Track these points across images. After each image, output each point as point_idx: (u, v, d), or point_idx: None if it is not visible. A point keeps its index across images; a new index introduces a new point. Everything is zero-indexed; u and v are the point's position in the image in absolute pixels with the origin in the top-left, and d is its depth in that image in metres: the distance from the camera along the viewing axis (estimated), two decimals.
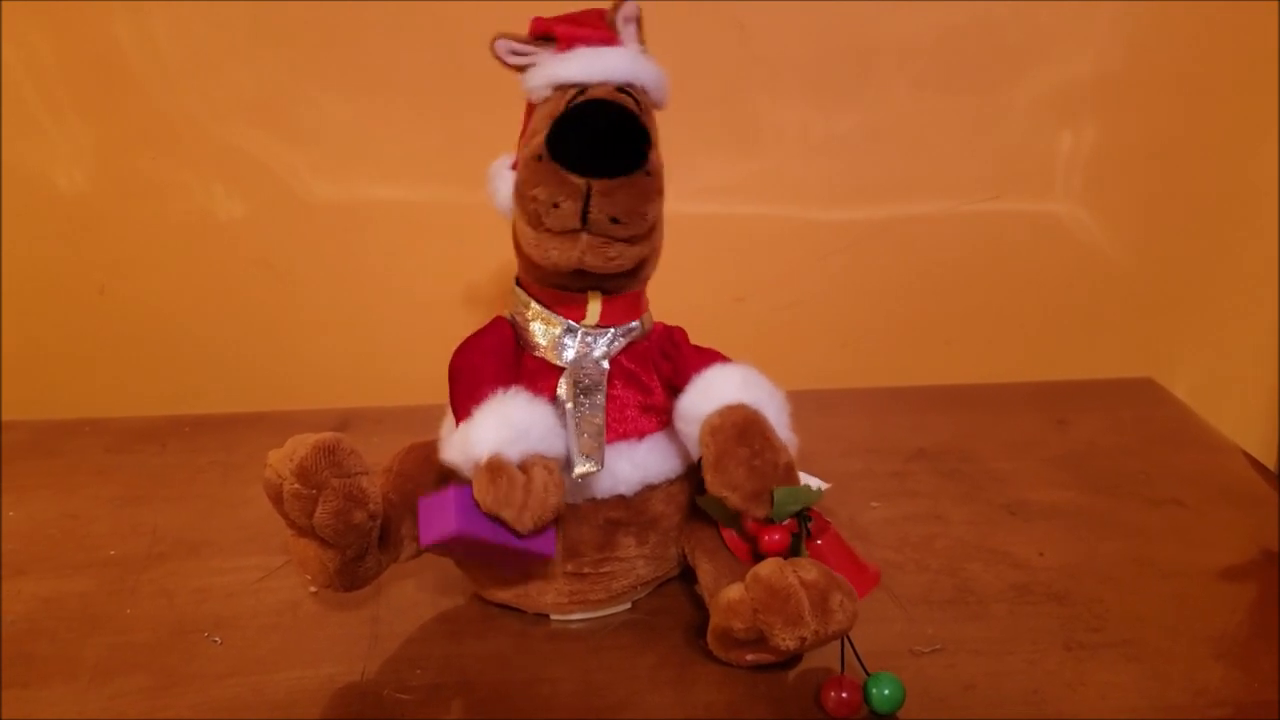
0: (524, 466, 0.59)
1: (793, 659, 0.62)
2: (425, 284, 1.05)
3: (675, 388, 0.66)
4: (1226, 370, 1.13)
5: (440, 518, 0.59)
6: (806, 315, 1.09)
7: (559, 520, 0.62)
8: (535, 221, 0.60)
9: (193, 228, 1.02)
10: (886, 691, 0.58)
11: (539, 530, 0.60)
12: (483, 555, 0.64)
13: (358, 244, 1.04)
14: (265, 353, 1.08)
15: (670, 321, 0.71)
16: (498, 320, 0.68)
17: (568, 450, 0.62)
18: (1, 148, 0.98)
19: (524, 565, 0.65)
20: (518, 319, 0.66)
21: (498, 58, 0.64)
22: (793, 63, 0.98)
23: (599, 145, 0.57)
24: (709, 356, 0.67)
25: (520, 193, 0.60)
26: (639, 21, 0.64)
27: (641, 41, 0.64)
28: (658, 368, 0.67)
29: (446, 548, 0.63)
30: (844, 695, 0.58)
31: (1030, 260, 1.07)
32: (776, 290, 1.08)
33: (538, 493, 0.59)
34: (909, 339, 1.11)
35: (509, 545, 0.60)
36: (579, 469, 0.62)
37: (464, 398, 0.62)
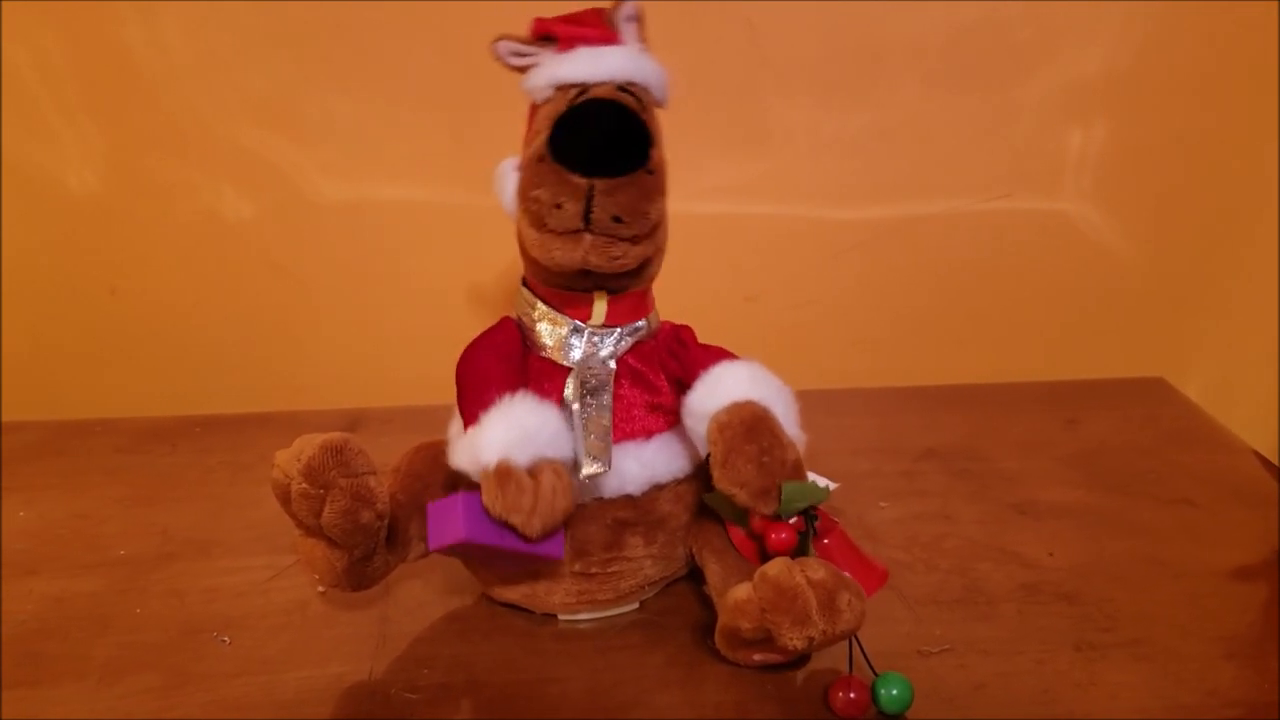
0: (532, 471, 0.59)
1: (801, 659, 0.62)
2: (434, 284, 1.05)
3: (684, 385, 0.66)
4: (1237, 370, 1.12)
5: (449, 523, 0.59)
6: (817, 315, 1.09)
7: (567, 523, 0.62)
8: (538, 223, 0.60)
9: (202, 228, 1.02)
10: (895, 692, 0.58)
11: (547, 535, 0.60)
12: (491, 556, 0.64)
13: (366, 244, 1.04)
14: (274, 353, 1.08)
15: (681, 321, 0.71)
16: (504, 321, 0.68)
17: (575, 452, 0.62)
18: (12, 149, 0.98)
19: (532, 565, 0.65)
20: (524, 320, 0.67)
21: (499, 59, 0.64)
22: (802, 62, 0.98)
23: (600, 145, 0.57)
24: (717, 354, 0.67)
25: (523, 194, 0.61)
26: (640, 20, 0.64)
27: (643, 40, 0.64)
28: (665, 366, 0.67)
29: (455, 553, 0.63)
30: (852, 695, 0.58)
31: (1041, 259, 1.07)
32: (787, 290, 1.08)
33: (546, 497, 0.59)
34: (919, 338, 1.11)
35: (517, 550, 0.60)
36: (586, 470, 0.61)
37: (471, 402, 0.62)
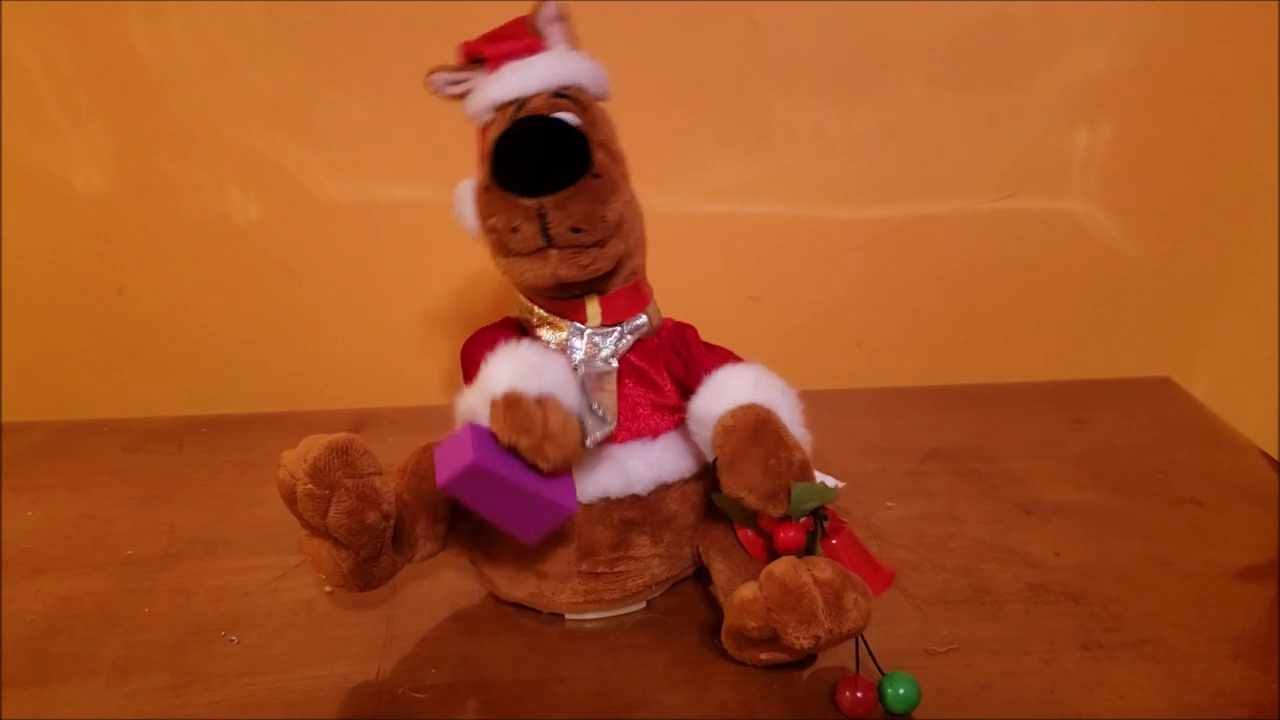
0: (540, 400, 0.58)
1: (807, 658, 0.62)
2: (440, 285, 1.05)
3: (687, 388, 0.66)
4: (1244, 369, 1.12)
5: (456, 454, 0.57)
6: (822, 315, 1.09)
7: (574, 521, 0.62)
8: (502, 249, 0.61)
9: (209, 229, 1.02)
10: (902, 691, 0.58)
11: (559, 469, 0.59)
12: (502, 506, 0.60)
13: (373, 245, 1.04)
14: (281, 353, 1.09)
15: (685, 321, 0.71)
16: (506, 319, 0.68)
17: (583, 422, 0.61)
18: (20, 150, 0.99)
19: (545, 520, 0.62)
20: (525, 325, 0.67)
21: (436, 92, 0.64)
22: (807, 61, 0.98)
23: (538, 163, 0.57)
24: (720, 356, 0.67)
25: (482, 224, 0.61)
26: (565, 19, 0.64)
27: (571, 38, 0.64)
28: (669, 365, 0.67)
29: (464, 491, 0.59)
30: (859, 695, 0.58)
31: (1046, 259, 1.07)
32: (792, 290, 1.08)
33: (556, 424, 0.58)
34: (924, 338, 1.11)
35: (528, 488, 0.58)
36: (594, 434, 0.61)
37: (477, 367, 0.62)
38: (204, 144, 0.99)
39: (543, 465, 0.58)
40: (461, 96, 0.65)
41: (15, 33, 0.94)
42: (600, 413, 0.62)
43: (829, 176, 1.03)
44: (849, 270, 1.07)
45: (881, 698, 0.58)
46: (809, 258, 1.06)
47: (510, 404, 0.58)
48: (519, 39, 0.63)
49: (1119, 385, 1.05)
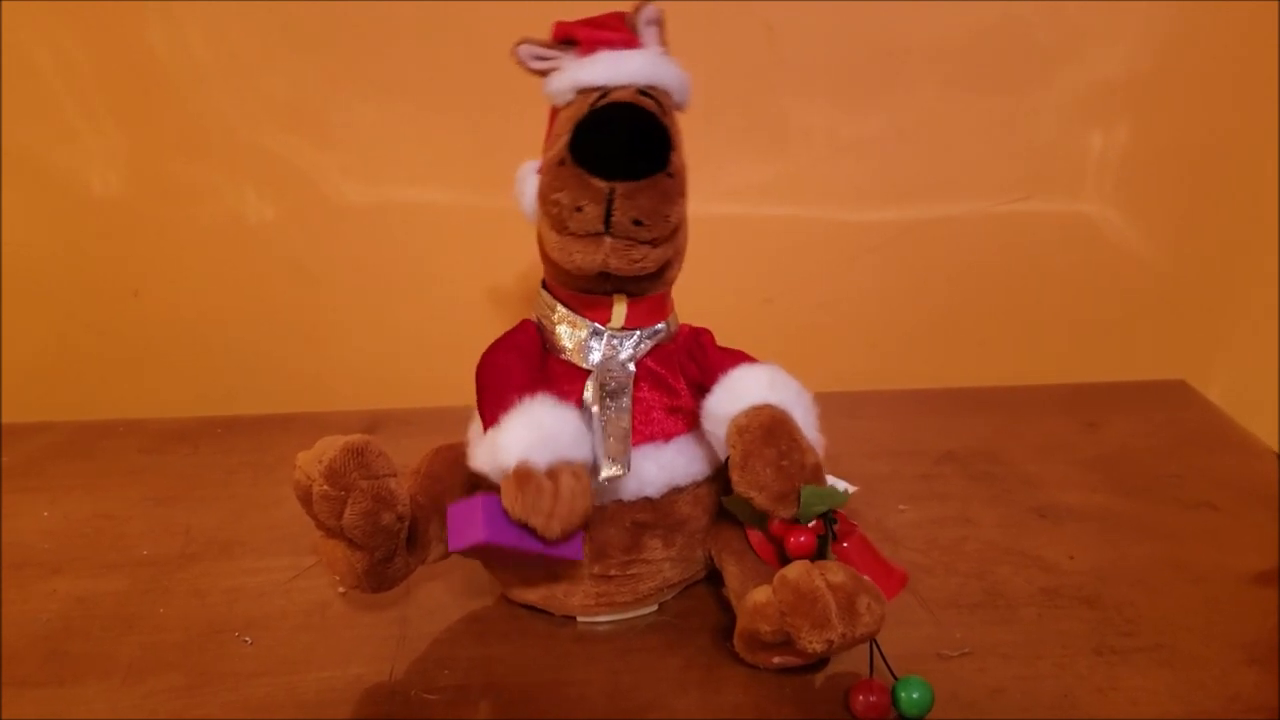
0: (552, 473, 0.59)
1: (820, 662, 0.62)
2: (454, 286, 1.06)
3: (703, 389, 0.66)
4: (1259, 372, 1.12)
5: (469, 525, 0.60)
6: (835, 317, 1.09)
7: (586, 525, 0.62)
8: (559, 226, 0.61)
9: (224, 231, 1.03)
10: (915, 695, 0.57)
11: (567, 537, 0.61)
12: (511, 557, 0.64)
13: (387, 246, 1.04)
14: (296, 354, 1.09)
15: (699, 322, 0.71)
16: (524, 324, 0.68)
17: (594, 454, 0.62)
18: (36, 151, 0.99)
19: (551, 565, 0.66)
20: (544, 322, 0.67)
21: (521, 63, 0.64)
22: (820, 63, 0.98)
23: (621, 148, 0.58)
24: (736, 357, 0.67)
25: (544, 197, 0.61)
26: (661, 24, 0.64)
27: (663, 43, 0.65)
28: (684, 369, 0.68)
29: (475, 553, 0.64)
30: (872, 699, 0.58)
31: (1061, 261, 1.07)
32: (805, 292, 1.08)
33: (565, 499, 0.59)
34: (938, 341, 1.10)
35: (537, 550, 0.60)
36: (605, 473, 0.62)
37: (491, 404, 0.63)
38: (219, 146, 0.99)
39: (552, 538, 0.60)
40: (544, 73, 0.65)
41: (32, 34, 0.95)
42: (612, 457, 0.62)
43: (843, 178, 1.03)
44: (862, 272, 1.06)
45: (895, 702, 0.58)
46: (822, 259, 1.06)
47: (522, 481, 0.58)
48: (616, 30, 0.63)
49: (1133, 388, 1.04)
